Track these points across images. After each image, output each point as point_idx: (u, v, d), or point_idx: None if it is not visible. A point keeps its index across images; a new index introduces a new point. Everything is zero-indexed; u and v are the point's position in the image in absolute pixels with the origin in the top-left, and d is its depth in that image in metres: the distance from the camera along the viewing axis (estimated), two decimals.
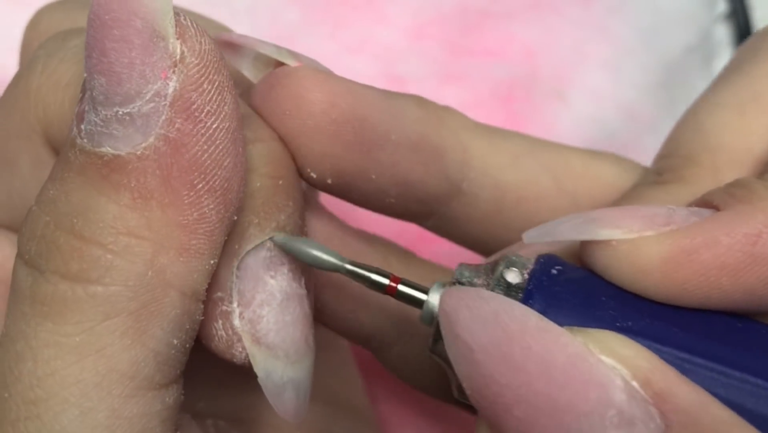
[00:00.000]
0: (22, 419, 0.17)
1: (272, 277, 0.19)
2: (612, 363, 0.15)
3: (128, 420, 0.18)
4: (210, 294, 0.19)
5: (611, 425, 0.15)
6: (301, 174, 0.21)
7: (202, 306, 0.19)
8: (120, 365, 0.18)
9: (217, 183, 0.18)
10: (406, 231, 0.34)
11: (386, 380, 0.33)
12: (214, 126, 0.18)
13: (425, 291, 0.20)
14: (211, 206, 0.18)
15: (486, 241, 0.24)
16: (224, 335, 0.19)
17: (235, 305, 0.19)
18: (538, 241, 0.20)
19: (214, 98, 0.18)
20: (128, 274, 0.17)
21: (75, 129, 0.18)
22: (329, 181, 0.21)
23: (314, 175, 0.21)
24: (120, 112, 0.17)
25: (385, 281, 0.20)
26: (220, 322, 0.19)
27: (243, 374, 0.26)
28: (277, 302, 0.19)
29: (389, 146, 0.21)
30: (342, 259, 0.20)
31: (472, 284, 0.20)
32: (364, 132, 0.21)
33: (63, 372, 0.17)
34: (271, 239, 0.20)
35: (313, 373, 0.20)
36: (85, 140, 0.18)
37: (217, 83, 0.18)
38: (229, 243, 0.19)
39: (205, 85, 0.18)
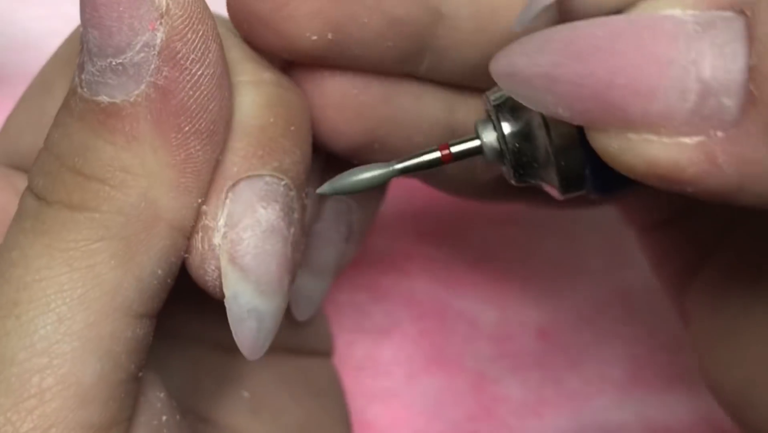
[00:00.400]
0: (0, 317, 0.19)
1: (263, 207, 0.20)
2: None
3: (99, 337, 0.19)
4: (202, 205, 0.20)
5: (695, 32, 0.16)
6: (299, 47, 0.22)
7: (186, 242, 0.20)
8: (105, 284, 0.19)
9: (203, 126, 0.19)
10: (405, 233, 0.35)
11: (383, 379, 0.33)
12: (198, 73, 0.19)
13: (475, 136, 0.20)
14: (198, 147, 0.19)
15: (480, 70, 0.24)
16: (200, 249, 0.20)
17: (221, 223, 0.20)
18: (527, 23, 0.20)
19: (198, 47, 0.19)
20: (123, 204, 0.19)
21: (77, 78, 0.20)
22: (330, 36, 0.22)
23: (315, 38, 0.21)
24: (113, 63, 0.19)
25: (437, 154, 0.20)
26: (200, 234, 0.20)
27: (223, 377, 0.27)
28: (262, 230, 0.20)
29: None
30: (389, 165, 0.20)
31: (501, 95, 0.20)
32: None
33: (51, 280, 0.19)
34: (317, 191, 0.21)
35: (279, 320, 0.21)
36: (84, 89, 0.19)
37: (201, 32, 0.19)
38: (226, 165, 0.20)
39: (189, 35, 0.19)
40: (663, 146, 0.17)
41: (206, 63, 0.19)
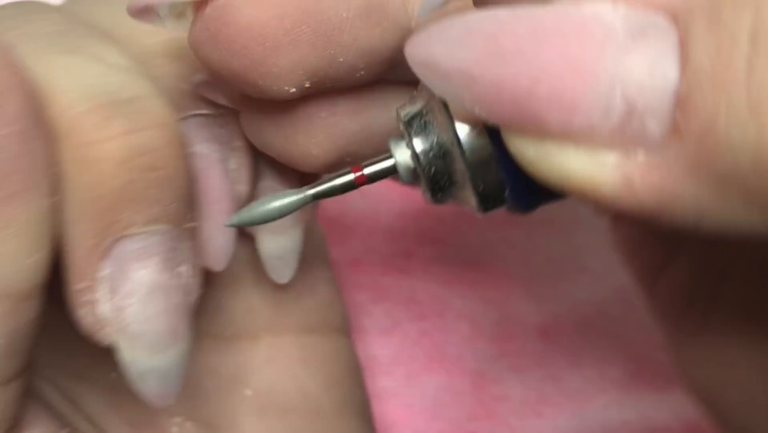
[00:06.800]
0: None
1: (140, 268, 0.20)
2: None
3: None
4: (74, 285, 0.20)
5: (625, 43, 0.15)
6: (276, 97, 0.21)
7: (35, 303, 0.19)
8: None
9: (17, 187, 0.18)
10: (405, 233, 0.35)
11: (383, 379, 0.33)
12: (1, 134, 0.18)
13: (388, 155, 0.19)
14: (17, 210, 0.18)
15: None
16: (90, 321, 0.20)
17: (101, 294, 0.19)
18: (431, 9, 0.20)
19: None
20: None
21: None
22: (307, 84, 0.21)
23: (293, 90, 0.21)
24: None
25: (351, 177, 0.19)
26: (86, 309, 0.20)
27: (220, 380, 0.26)
28: (142, 294, 0.20)
29: (345, 25, 0.21)
30: (301, 191, 0.20)
31: (413, 110, 0.19)
32: (319, 23, 0.20)
33: None
34: (225, 223, 0.20)
35: (185, 359, 0.20)
36: None
37: None
38: (89, 236, 0.19)
39: None
40: (580, 160, 0.16)
41: (6, 122, 0.18)
